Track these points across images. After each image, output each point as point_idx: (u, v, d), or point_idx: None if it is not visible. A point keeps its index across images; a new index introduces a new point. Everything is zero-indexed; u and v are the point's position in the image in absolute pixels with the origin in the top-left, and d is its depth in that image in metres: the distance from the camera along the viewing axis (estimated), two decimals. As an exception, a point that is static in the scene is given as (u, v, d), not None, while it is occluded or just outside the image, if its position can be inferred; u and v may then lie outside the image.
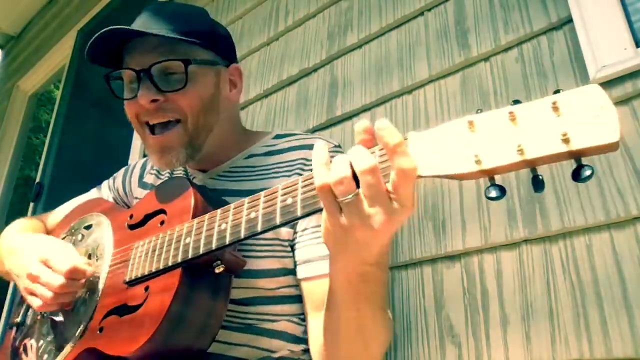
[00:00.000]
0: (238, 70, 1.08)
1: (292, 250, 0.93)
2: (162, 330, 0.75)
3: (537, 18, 1.30)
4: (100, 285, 0.91)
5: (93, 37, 0.92)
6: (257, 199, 0.69)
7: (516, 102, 0.50)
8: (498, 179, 0.51)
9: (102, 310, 0.87)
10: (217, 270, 0.78)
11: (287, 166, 0.97)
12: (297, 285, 0.93)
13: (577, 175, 0.46)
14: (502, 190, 0.50)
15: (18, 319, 1.06)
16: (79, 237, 1.06)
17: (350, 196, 0.56)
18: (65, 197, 1.30)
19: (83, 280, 0.90)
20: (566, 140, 0.45)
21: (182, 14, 1.01)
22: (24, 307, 1.08)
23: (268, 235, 0.79)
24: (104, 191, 1.23)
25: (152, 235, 0.86)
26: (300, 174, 0.93)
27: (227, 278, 0.83)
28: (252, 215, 0.69)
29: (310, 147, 0.99)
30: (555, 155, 0.46)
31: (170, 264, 0.79)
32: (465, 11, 1.47)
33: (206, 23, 1.04)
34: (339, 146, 1.02)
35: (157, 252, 0.82)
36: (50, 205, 1.30)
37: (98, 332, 0.85)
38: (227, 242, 0.72)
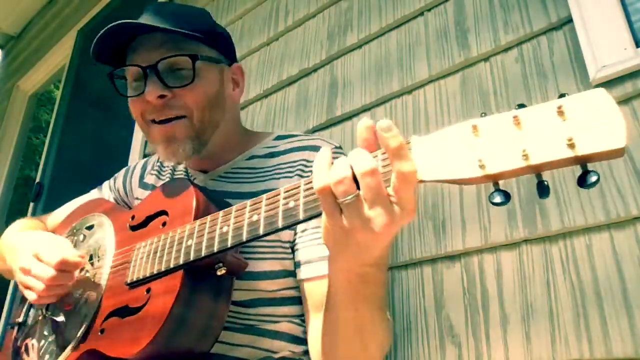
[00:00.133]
0: (240, 69, 1.08)
1: (293, 251, 0.93)
2: (164, 333, 0.75)
3: (537, 18, 1.30)
4: (102, 287, 0.91)
5: (101, 32, 0.92)
6: (259, 202, 0.69)
7: (521, 106, 0.49)
8: (502, 184, 0.51)
9: (103, 312, 0.87)
10: (219, 273, 0.78)
11: (288, 167, 0.97)
12: (297, 287, 0.93)
13: (582, 181, 0.45)
14: (506, 196, 0.49)
15: (19, 319, 1.06)
16: (81, 237, 1.06)
17: (350, 197, 0.55)
18: (65, 197, 1.30)
19: (76, 273, 0.91)
20: (572, 146, 0.44)
21: (184, 14, 1.02)
22: (26, 307, 1.08)
23: (269, 237, 0.79)
24: (105, 192, 1.23)
25: (154, 237, 0.86)
26: (302, 175, 0.94)
27: (228, 280, 0.83)
28: (255, 218, 0.69)
29: (311, 148, 0.99)
30: (560, 160, 0.45)
31: (172, 266, 0.79)
32: (465, 11, 1.47)
33: (208, 22, 1.05)
34: (340, 147, 1.02)
35: (158, 254, 0.82)
36: (50, 205, 1.30)
37: (99, 333, 0.85)
38: (229, 245, 0.72)
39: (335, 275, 0.69)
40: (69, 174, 3.02)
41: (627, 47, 1.14)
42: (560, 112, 0.45)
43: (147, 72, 0.93)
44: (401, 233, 1.33)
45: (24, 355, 0.98)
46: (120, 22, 0.91)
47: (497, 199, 0.49)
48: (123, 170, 1.25)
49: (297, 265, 0.92)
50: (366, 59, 1.67)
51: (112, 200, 1.20)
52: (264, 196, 0.69)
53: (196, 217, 0.82)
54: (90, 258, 0.98)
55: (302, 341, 0.93)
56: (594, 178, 0.44)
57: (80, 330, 0.88)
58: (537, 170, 0.47)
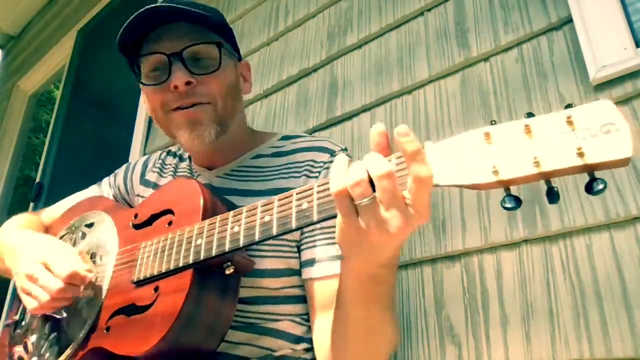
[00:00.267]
0: (248, 66, 1.12)
1: (299, 250, 0.93)
2: (174, 331, 0.75)
3: (537, 18, 1.30)
4: (105, 285, 0.91)
5: (134, 16, 0.93)
6: (271, 203, 0.70)
7: (530, 114, 0.51)
8: (513, 189, 0.53)
9: (108, 310, 0.87)
10: (227, 272, 0.78)
11: (295, 167, 0.98)
12: (300, 286, 0.94)
13: (589, 189, 0.48)
14: (517, 201, 0.51)
15: (16, 317, 1.06)
16: (80, 234, 1.05)
17: (366, 199, 0.57)
18: (65, 197, 1.29)
19: (82, 287, 0.90)
20: (581, 155, 0.46)
21: (203, 7, 1.03)
22: (22, 304, 1.07)
23: None
24: (104, 188, 1.22)
25: (160, 236, 0.86)
26: (309, 176, 0.95)
27: (235, 279, 0.84)
28: (267, 218, 0.70)
29: (317, 149, 1.00)
30: (570, 168, 0.47)
31: (181, 264, 0.79)
32: (465, 11, 1.47)
33: (222, 16, 1.08)
34: (346, 149, 1.02)
35: (166, 253, 0.82)
36: (50, 205, 1.30)
37: (105, 331, 0.85)
38: (241, 245, 0.72)
39: (347, 275, 0.70)
40: (69, 174, 3.02)
41: (627, 47, 1.14)
42: (570, 122, 0.48)
43: (172, 60, 0.94)
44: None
45: (23, 353, 0.98)
46: (152, 6, 0.93)
47: (509, 204, 0.51)
48: (123, 167, 1.24)
49: (304, 264, 0.92)
50: (366, 59, 1.67)
51: (111, 197, 1.19)
52: (276, 197, 0.70)
53: (204, 217, 0.82)
54: (92, 256, 0.97)
55: (302, 340, 0.93)
56: (600, 186, 0.47)
57: (84, 328, 0.88)
58: (547, 177, 0.50)
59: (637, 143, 0.46)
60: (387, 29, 1.65)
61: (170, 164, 1.16)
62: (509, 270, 1.15)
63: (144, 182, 1.16)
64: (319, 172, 0.95)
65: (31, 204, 3.15)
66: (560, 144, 0.48)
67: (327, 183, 0.63)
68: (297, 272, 0.93)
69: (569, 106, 0.49)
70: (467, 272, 1.21)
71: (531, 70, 1.27)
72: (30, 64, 3.94)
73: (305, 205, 0.65)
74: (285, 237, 0.92)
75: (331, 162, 0.96)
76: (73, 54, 3.45)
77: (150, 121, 2.48)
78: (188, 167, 1.11)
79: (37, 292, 0.87)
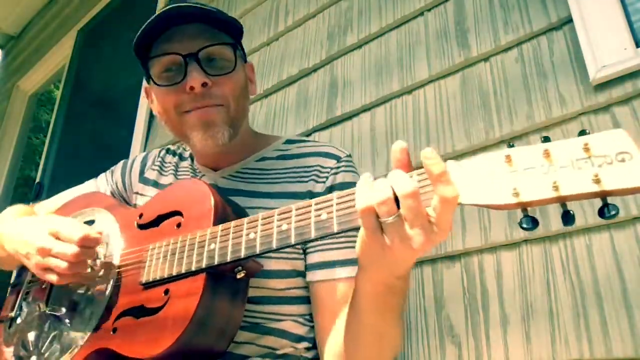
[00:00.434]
0: (252, 67, 1.12)
1: (304, 252, 0.94)
2: (187, 334, 0.75)
3: (537, 18, 1.30)
4: (110, 284, 0.90)
5: (156, 16, 0.93)
6: (289, 212, 0.71)
7: (546, 139, 0.54)
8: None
9: (114, 311, 0.86)
10: (238, 276, 0.79)
11: (303, 172, 0.98)
12: (304, 287, 0.94)
13: (603, 214, 0.50)
14: (534, 222, 0.54)
15: (12, 314, 1.04)
16: None
17: (392, 217, 0.58)
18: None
19: (97, 249, 0.90)
20: (597, 181, 0.49)
21: (212, 9, 1.03)
22: (18, 300, 1.06)
23: None
24: (101, 184, 1.21)
25: (169, 238, 0.85)
26: (316, 181, 0.96)
27: (245, 282, 0.84)
28: (284, 227, 0.70)
29: (324, 154, 1.00)
30: (586, 194, 0.50)
31: (193, 268, 0.79)
32: (465, 11, 1.47)
33: (233, 18, 1.08)
34: (350, 155, 1.03)
35: (177, 256, 0.82)
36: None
37: (111, 332, 0.84)
38: (258, 252, 0.73)
39: (364, 286, 0.71)
40: (69, 174, 3.01)
41: (627, 47, 1.14)
42: (586, 149, 0.51)
43: (188, 61, 0.93)
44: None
45: (21, 351, 0.96)
46: (172, 7, 0.93)
47: (527, 224, 0.54)
48: (121, 163, 1.23)
49: (309, 267, 0.93)
50: (366, 59, 1.67)
51: (108, 193, 1.18)
52: (293, 207, 0.71)
53: (215, 221, 0.82)
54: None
55: (304, 339, 0.94)
56: (613, 212, 0.50)
57: (88, 328, 0.87)
58: (563, 201, 0.52)
59: None
60: (387, 29, 1.65)
61: (170, 163, 1.15)
62: (509, 270, 1.15)
63: (143, 179, 1.15)
64: (326, 178, 0.96)
65: (31, 204, 3.15)
66: (578, 170, 0.51)
67: (347, 195, 0.65)
68: (302, 274, 0.94)
69: (582, 132, 0.52)
70: (467, 272, 1.21)
71: (531, 70, 1.27)
72: (30, 64, 3.94)
73: (324, 216, 0.66)
74: None
75: (338, 167, 0.97)
76: (73, 54, 3.45)
77: (150, 121, 2.49)
78: (190, 166, 1.11)
79: (54, 262, 0.87)
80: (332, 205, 0.66)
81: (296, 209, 0.70)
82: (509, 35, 1.34)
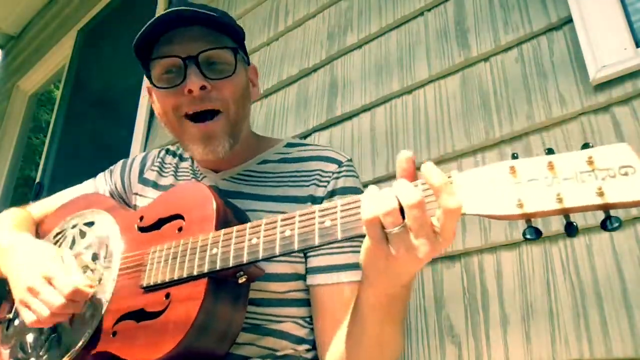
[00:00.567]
0: (256, 70, 1.12)
1: (305, 256, 0.94)
2: (188, 338, 0.75)
3: (537, 18, 1.30)
4: (110, 288, 0.89)
5: (156, 19, 0.93)
6: (292, 218, 0.71)
7: (550, 151, 0.54)
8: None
9: (114, 314, 0.86)
10: (240, 281, 0.79)
11: (304, 175, 0.99)
12: (305, 290, 0.95)
13: (605, 226, 0.52)
14: (538, 233, 0.55)
15: (10, 315, 1.03)
16: (78, 232, 1.03)
17: (397, 228, 0.59)
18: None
19: (82, 303, 0.88)
20: (601, 194, 0.50)
21: (215, 11, 1.03)
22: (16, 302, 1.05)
23: None
24: (100, 184, 1.20)
25: (171, 241, 0.85)
26: (318, 185, 0.96)
27: (246, 286, 0.84)
28: (287, 233, 0.70)
29: (325, 158, 1.01)
30: (590, 206, 0.51)
31: (195, 273, 0.79)
32: (465, 11, 1.47)
33: (234, 21, 1.08)
34: (351, 160, 1.03)
35: (179, 260, 0.82)
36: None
37: (111, 336, 0.84)
38: (260, 257, 0.73)
39: (367, 295, 0.71)
40: (69, 174, 3.01)
41: (627, 47, 1.14)
42: (590, 162, 0.52)
43: (187, 63, 0.93)
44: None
45: (19, 353, 0.96)
46: (172, 10, 0.92)
47: (531, 235, 0.55)
48: (120, 164, 1.22)
49: (309, 270, 0.93)
50: (366, 59, 1.67)
51: (107, 193, 1.17)
52: (297, 213, 0.71)
53: (217, 225, 0.81)
54: (94, 257, 0.96)
55: (305, 341, 0.94)
56: (616, 224, 0.51)
57: (88, 331, 0.87)
58: (567, 212, 0.53)
59: None
60: (387, 29, 1.65)
61: (170, 164, 1.15)
62: (509, 270, 1.15)
63: (143, 180, 1.15)
64: (328, 182, 0.96)
65: (31, 204, 3.15)
66: (582, 183, 0.52)
67: (351, 203, 0.65)
68: (303, 277, 0.94)
69: (586, 145, 0.53)
70: (467, 272, 1.21)
71: (531, 70, 1.27)
72: (30, 64, 3.94)
73: (328, 223, 0.66)
74: None
75: (339, 172, 0.98)
76: (73, 54, 3.45)
77: (150, 121, 2.49)
78: (190, 167, 1.11)
79: (37, 307, 0.86)
80: (336, 213, 0.66)
81: (300, 215, 0.70)
82: (509, 35, 1.34)
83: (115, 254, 0.93)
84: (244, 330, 0.89)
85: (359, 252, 0.68)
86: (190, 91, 0.92)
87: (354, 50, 1.72)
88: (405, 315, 0.80)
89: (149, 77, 1.00)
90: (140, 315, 0.83)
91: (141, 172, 1.17)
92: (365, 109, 1.59)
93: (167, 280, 0.82)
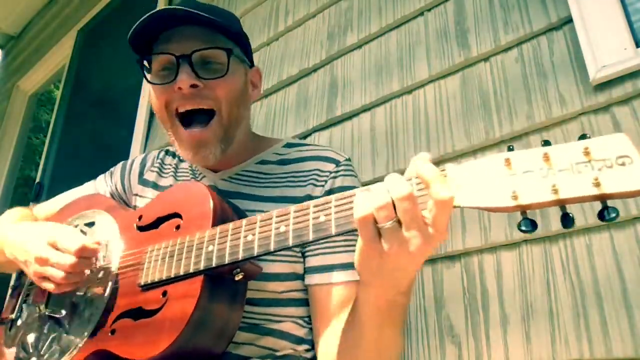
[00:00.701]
0: (259, 73, 1.12)
1: (303, 256, 0.94)
2: (184, 336, 0.75)
3: (537, 18, 1.30)
4: (109, 286, 0.90)
5: (144, 18, 0.94)
6: (287, 214, 0.71)
7: (546, 142, 0.54)
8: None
9: (112, 312, 0.86)
10: (236, 278, 0.79)
11: (302, 176, 0.99)
12: (304, 290, 0.95)
13: (602, 216, 0.51)
14: (533, 225, 0.54)
15: (12, 315, 1.04)
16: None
17: (390, 223, 0.59)
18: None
19: (93, 260, 0.90)
20: (597, 185, 0.49)
21: (217, 11, 1.04)
22: (19, 302, 1.06)
23: None
24: (100, 185, 1.21)
25: (168, 240, 0.86)
26: (315, 185, 0.96)
27: (243, 284, 0.84)
28: (282, 229, 0.70)
29: (323, 158, 1.01)
30: (586, 197, 0.50)
31: (191, 270, 0.79)
32: (465, 11, 1.47)
33: (237, 23, 1.09)
34: (349, 159, 1.03)
35: (175, 258, 0.82)
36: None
37: (110, 334, 0.84)
38: (255, 254, 0.73)
39: (366, 302, 0.71)
40: (69, 174, 3.01)
41: (627, 47, 1.14)
42: (587, 153, 0.51)
43: (180, 62, 0.94)
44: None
45: (21, 353, 0.97)
46: (166, 8, 0.93)
47: (526, 227, 0.55)
48: (120, 165, 1.23)
49: (307, 270, 0.93)
50: (366, 59, 1.67)
51: (107, 194, 1.18)
52: (291, 208, 0.70)
53: (214, 223, 0.82)
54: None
55: (304, 341, 0.94)
56: (613, 214, 0.50)
57: (87, 330, 0.87)
58: (563, 204, 0.52)
59: None
60: (387, 29, 1.65)
61: (169, 164, 1.15)
62: (509, 270, 1.15)
63: (143, 181, 1.15)
64: (325, 181, 0.96)
65: (31, 204, 3.15)
66: (578, 174, 0.51)
67: (345, 197, 0.65)
68: (301, 277, 0.94)
69: (583, 136, 0.52)
70: (467, 272, 1.21)
71: (531, 70, 1.27)
72: (30, 64, 3.94)
73: (322, 218, 0.66)
74: None
75: (337, 171, 0.97)
76: (73, 54, 3.45)
77: (150, 121, 2.49)
78: (190, 167, 1.11)
79: (51, 272, 0.87)
80: (330, 208, 0.66)
81: (294, 211, 0.70)
82: (509, 35, 1.34)
83: (115, 253, 0.94)
84: (243, 329, 0.89)
85: None
86: (180, 88, 0.93)
87: (354, 50, 1.72)
88: (405, 319, 0.79)
89: (144, 73, 1.02)
90: (138, 313, 0.83)
91: (141, 173, 1.17)
92: (365, 109, 1.59)
93: (164, 278, 0.82)
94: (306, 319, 0.95)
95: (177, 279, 0.81)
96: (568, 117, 1.17)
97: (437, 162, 1.30)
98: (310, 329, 0.95)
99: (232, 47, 0.99)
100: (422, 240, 0.58)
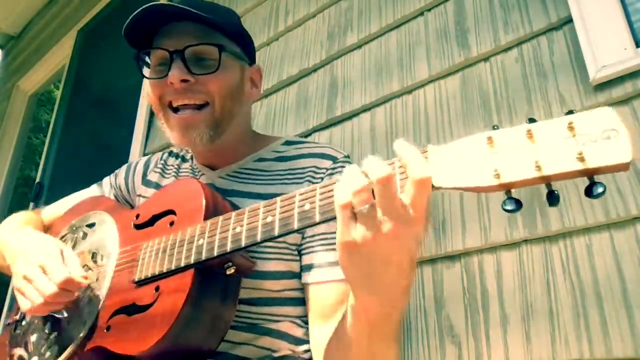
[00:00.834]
0: (259, 71, 1.12)
1: (299, 254, 0.94)
2: (174, 330, 0.75)
3: (537, 18, 1.30)
4: (106, 285, 0.91)
5: (135, 13, 0.95)
6: (274, 204, 0.71)
7: (531, 120, 0.52)
8: (514, 192, 0.54)
9: (109, 309, 0.87)
10: (228, 272, 0.79)
11: (298, 173, 0.99)
12: (301, 289, 0.94)
13: (589, 192, 0.49)
14: (518, 204, 0.52)
15: (17, 316, 1.06)
16: (81, 234, 1.06)
17: (366, 207, 0.57)
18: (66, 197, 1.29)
19: (77, 293, 0.90)
20: (581, 159, 0.48)
21: (216, 9, 1.04)
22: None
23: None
24: (105, 188, 1.23)
25: (162, 236, 0.86)
26: (311, 182, 0.96)
27: (236, 279, 0.84)
28: (269, 219, 0.70)
29: (320, 155, 1.01)
30: (570, 172, 0.49)
31: (182, 264, 0.79)
32: (465, 11, 1.47)
33: (236, 20, 1.09)
34: (348, 156, 1.03)
35: (168, 253, 0.83)
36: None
37: (105, 330, 0.85)
38: (243, 245, 0.73)
39: (358, 316, 0.69)
40: (69, 174, 3.02)
41: (627, 47, 1.14)
42: (571, 128, 0.49)
43: (173, 57, 0.95)
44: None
45: (23, 352, 0.98)
46: (156, 3, 0.95)
47: (510, 206, 0.53)
48: (124, 167, 1.25)
49: (303, 268, 0.93)
50: (366, 59, 1.67)
51: (112, 197, 1.20)
52: (278, 199, 0.70)
53: (206, 217, 0.82)
54: (93, 256, 0.98)
55: (303, 341, 0.94)
56: (600, 189, 0.48)
57: (85, 328, 0.88)
58: (548, 181, 0.51)
59: (637, 147, 0.47)
60: (387, 29, 1.65)
61: (172, 165, 1.16)
62: (509, 270, 1.15)
63: (146, 182, 1.16)
64: (322, 179, 0.96)
65: (31, 204, 3.15)
66: (562, 149, 0.49)
67: (330, 185, 0.64)
68: (298, 275, 0.94)
69: (570, 112, 0.50)
70: (467, 272, 1.21)
71: (531, 70, 1.27)
72: (30, 64, 3.94)
73: (307, 207, 0.66)
74: (286, 240, 0.93)
75: (334, 168, 0.97)
76: (73, 54, 3.45)
77: (150, 121, 2.49)
78: (190, 167, 1.12)
79: (31, 294, 0.88)
80: (315, 196, 0.65)
81: (281, 201, 0.70)
82: (509, 35, 1.34)
83: (113, 252, 0.95)
84: (241, 329, 0.89)
85: None
86: (171, 83, 0.94)
87: (354, 50, 1.72)
88: (400, 333, 0.77)
89: (139, 68, 1.03)
90: (132, 309, 0.84)
91: (144, 174, 1.18)
92: (365, 109, 1.59)
93: (157, 273, 0.83)
94: (304, 318, 0.95)
95: (169, 273, 0.82)
96: (568, 117, 1.17)
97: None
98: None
99: (225, 43, 1.00)
100: (399, 224, 0.56)
